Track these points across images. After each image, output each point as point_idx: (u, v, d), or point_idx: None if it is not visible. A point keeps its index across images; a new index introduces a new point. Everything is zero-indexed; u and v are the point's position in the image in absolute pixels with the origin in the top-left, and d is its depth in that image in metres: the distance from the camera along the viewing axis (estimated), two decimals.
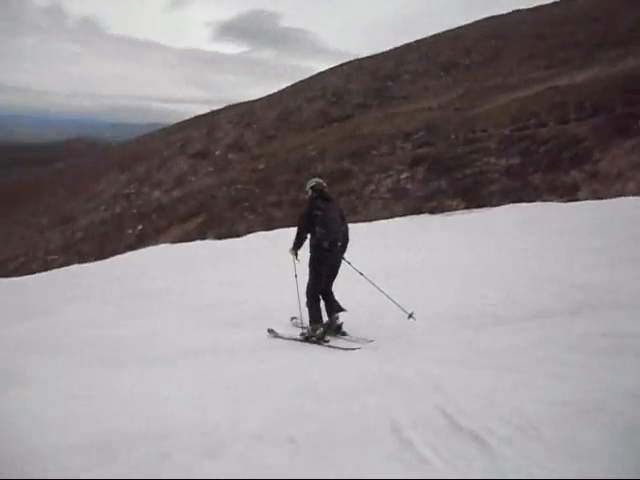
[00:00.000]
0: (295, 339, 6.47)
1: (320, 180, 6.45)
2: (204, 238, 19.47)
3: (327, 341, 6.08)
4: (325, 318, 6.35)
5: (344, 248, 6.32)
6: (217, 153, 36.98)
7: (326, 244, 5.96)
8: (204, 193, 25.80)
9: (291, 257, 6.47)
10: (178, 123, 64.05)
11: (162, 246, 20.71)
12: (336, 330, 6.26)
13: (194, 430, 4.27)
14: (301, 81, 49.67)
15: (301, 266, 6.45)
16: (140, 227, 25.09)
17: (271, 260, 13.59)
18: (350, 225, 6.65)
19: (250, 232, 18.36)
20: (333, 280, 6.31)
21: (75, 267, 22.04)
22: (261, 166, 26.53)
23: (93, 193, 41.66)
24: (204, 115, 59.08)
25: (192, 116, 64.75)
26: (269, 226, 18.29)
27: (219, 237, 18.96)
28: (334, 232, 5.98)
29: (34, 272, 23.98)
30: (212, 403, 4.83)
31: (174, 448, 3.99)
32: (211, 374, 5.72)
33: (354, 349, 5.67)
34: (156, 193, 32.96)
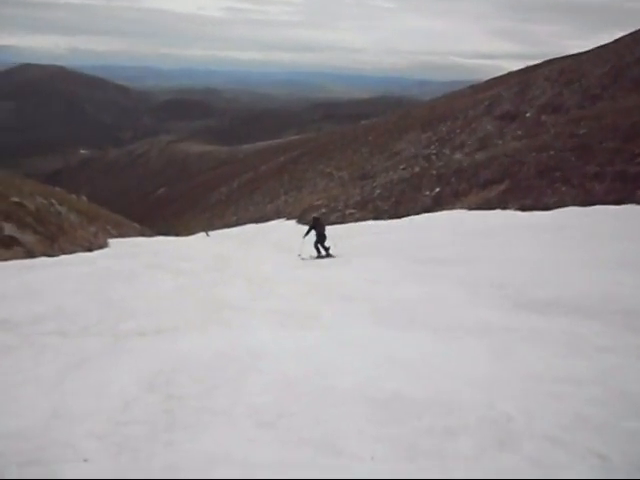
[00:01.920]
0: (313, 258, 14.68)
1: (317, 216, 16.66)
2: (505, 208, 18.83)
3: (322, 257, 14.73)
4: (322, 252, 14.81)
5: (325, 235, 14.81)
6: (528, 114, 35.11)
7: (319, 234, 14.73)
8: (510, 158, 24.89)
9: (301, 240, 15.24)
10: (487, 81, 62.82)
11: (458, 212, 20.85)
12: (328, 255, 14.61)
13: (482, 414, 4.16)
14: None
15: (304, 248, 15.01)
16: (437, 189, 25.61)
17: (579, 243, 12.40)
18: None
19: (560, 206, 17.05)
20: (324, 241, 14.72)
21: (370, 223, 23.84)
22: (581, 130, 24.21)
23: (393, 151, 44.11)
24: (517, 72, 56.62)
25: (503, 73, 62.80)
26: (585, 201, 16.62)
27: (522, 209, 18.06)
28: (321, 231, 14.74)
29: (332, 223, 26.72)
30: (504, 389, 4.64)
31: (460, 427, 3.97)
32: (505, 357, 5.51)
33: (333, 256, 14.58)
34: (457, 155, 33.13)
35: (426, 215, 21.78)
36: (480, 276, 9.93)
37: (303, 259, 14.56)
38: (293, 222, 31.89)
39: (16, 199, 17.29)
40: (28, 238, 15.24)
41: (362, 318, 7.45)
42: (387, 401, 4.40)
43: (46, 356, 5.61)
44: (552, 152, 22.97)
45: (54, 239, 16.56)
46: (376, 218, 25.11)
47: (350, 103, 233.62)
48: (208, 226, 46.77)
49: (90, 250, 18.21)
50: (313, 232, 15.16)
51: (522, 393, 4.54)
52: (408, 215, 23.17)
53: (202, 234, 35.14)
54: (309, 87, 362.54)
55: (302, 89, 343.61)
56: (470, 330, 6.64)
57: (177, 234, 40.68)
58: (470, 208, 20.83)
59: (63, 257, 15.29)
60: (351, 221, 26.28)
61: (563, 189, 18.91)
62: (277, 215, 38.35)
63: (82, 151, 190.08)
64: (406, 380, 4.84)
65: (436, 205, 23.75)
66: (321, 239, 14.81)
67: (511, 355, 5.59)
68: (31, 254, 14.58)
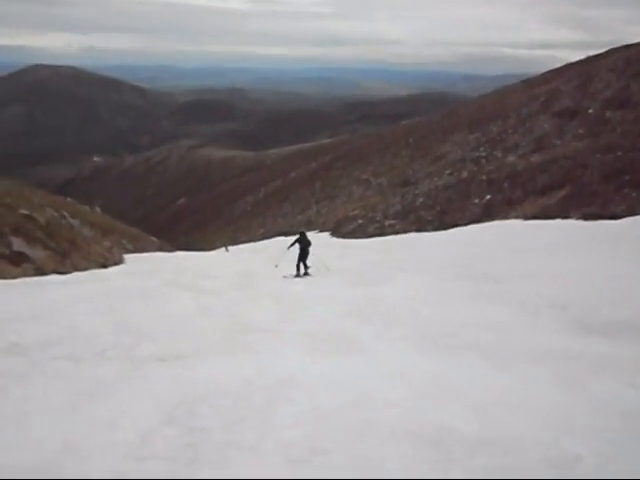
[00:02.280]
0: (293, 276, 15.85)
1: (302, 231, 17.40)
2: (566, 217, 18.50)
3: (301, 276, 15.86)
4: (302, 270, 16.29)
5: (308, 251, 16.22)
6: (590, 111, 34.60)
7: (302, 248, 16.17)
8: (571, 160, 24.51)
9: (285, 251, 17.59)
10: (542, 74, 62.28)
11: (513, 222, 20.58)
12: (305, 275, 15.97)
13: (545, 453, 4.05)
14: None
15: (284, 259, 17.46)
16: (488, 197, 25.33)
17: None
18: None
19: (630, 215, 16.68)
20: (306, 260, 16.08)
21: (412, 235, 23.72)
22: None
23: (438, 155, 43.94)
24: (577, 63, 56.01)
25: (561, 64, 62.19)
26: None
27: (586, 217, 17.72)
28: (304, 246, 16.16)
29: (371, 236, 26.70)
30: (570, 424, 4.52)
31: (519, 468, 3.87)
32: (571, 387, 5.38)
33: (310, 275, 15.92)
34: (510, 158, 32.77)
35: (476, 226, 21.56)
36: (539, 295, 9.76)
37: (285, 277, 16.06)
38: (327, 235, 31.93)
39: (25, 212, 17.73)
40: (38, 254, 15.59)
41: (406, 342, 7.38)
42: (436, 437, 4.33)
43: (57, 383, 5.70)
44: (619, 153, 22.57)
45: (66, 255, 16.90)
46: (419, 230, 24.96)
47: (388, 101, 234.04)
48: (232, 240, 47.20)
49: (104, 266, 18.54)
50: (297, 246, 16.85)
51: (592, 429, 4.41)
52: (455, 226, 22.98)
53: (223, 249, 35.62)
54: (342, 85, 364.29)
55: (335, 87, 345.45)
56: (530, 357, 6.52)
57: (199, 249, 41.16)
58: (526, 217, 20.54)
59: (75, 274, 15.61)
60: (391, 233, 26.19)
61: (633, 195, 18.54)
62: (308, 227, 38.43)
63: (96, 158, 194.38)
64: (457, 413, 4.76)
65: (487, 215, 23.50)
66: (303, 255, 16.38)
67: (578, 385, 5.46)
68: (41, 271, 14.91)
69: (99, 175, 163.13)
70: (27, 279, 13.46)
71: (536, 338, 7.36)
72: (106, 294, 11.50)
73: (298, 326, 8.51)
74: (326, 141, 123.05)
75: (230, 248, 36.19)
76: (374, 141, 73.02)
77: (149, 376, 5.99)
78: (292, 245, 16.92)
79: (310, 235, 32.62)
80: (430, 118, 71.48)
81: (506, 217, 21.92)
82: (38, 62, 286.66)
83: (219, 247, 38.45)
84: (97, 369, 6.24)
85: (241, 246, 37.66)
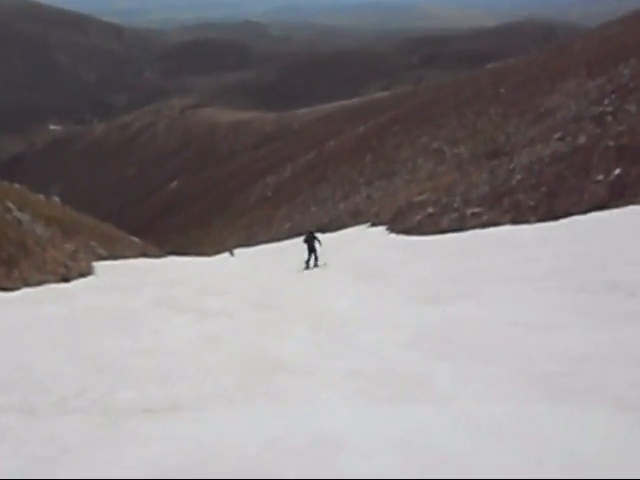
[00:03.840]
0: (307, 269, 25.34)
1: (312, 230, 28.36)
2: None
3: (312, 268, 26.26)
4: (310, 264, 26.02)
5: (314, 248, 26.70)
6: None
7: (309, 246, 26.56)
8: None
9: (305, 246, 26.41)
10: None
11: None
12: (315, 266, 26.32)
13: None
14: None
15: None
16: (617, 171, 24.79)
17: None
18: None
19: None
20: (315, 254, 26.24)
21: (506, 229, 23.52)
22: None
23: (542, 111, 43.26)
24: None
25: None
26: None
27: None
28: (311, 244, 26.52)
29: (445, 231, 26.53)
30: None
31: None
32: None
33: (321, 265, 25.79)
34: None
35: (599, 214, 21.26)
36: None
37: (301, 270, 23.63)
38: (382, 229, 31.86)
39: None
40: None
41: (502, 384, 7.29)
42: None
43: (5, 446, 5.78)
44: None
45: (12, 263, 17.19)
46: (516, 221, 24.71)
47: (467, 36, 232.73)
48: (246, 239, 47.50)
49: (66, 279, 18.83)
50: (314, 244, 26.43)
51: None
52: (569, 215, 22.70)
53: (229, 254, 36.10)
54: (402, 14, 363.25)
55: (391, 17, 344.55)
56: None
57: (199, 253, 41.54)
58: None
59: (25, 291, 15.88)
60: (475, 227, 25.97)
61: None
62: (355, 219, 38.50)
63: (53, 127, 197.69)
64: None
65: (616, 196, 23.16)
66: (311, 250, 25.52)
67: None
68: None
69: (58, 150, 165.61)
70: None
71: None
72: (70, 319, 11.66)
73: (343, 363, 8.49)
74: (379, 95, 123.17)
75: (238, 252, 36.51)
76: (448, 93, 72.72)
77: (133, 435, 6.04)
78: (305, 241, 26.07)
79: (359, 230, 33.08)
80: (530, 59, 70.81)
81: None
82: None
83: (230, 249, 38.75)
84: (59, 425, 6.32)
85: (259, 247, 37.86)
